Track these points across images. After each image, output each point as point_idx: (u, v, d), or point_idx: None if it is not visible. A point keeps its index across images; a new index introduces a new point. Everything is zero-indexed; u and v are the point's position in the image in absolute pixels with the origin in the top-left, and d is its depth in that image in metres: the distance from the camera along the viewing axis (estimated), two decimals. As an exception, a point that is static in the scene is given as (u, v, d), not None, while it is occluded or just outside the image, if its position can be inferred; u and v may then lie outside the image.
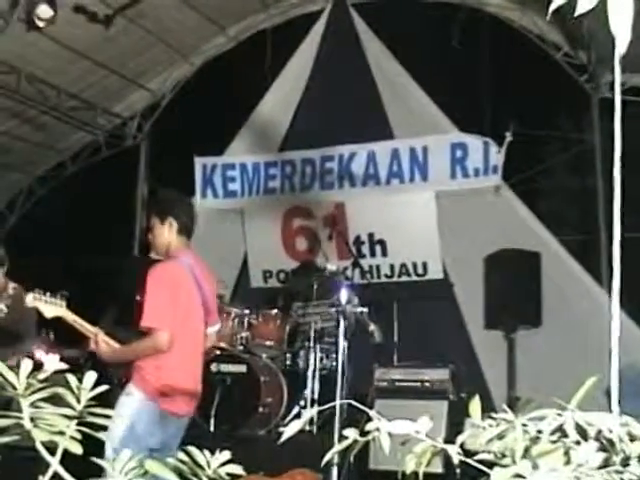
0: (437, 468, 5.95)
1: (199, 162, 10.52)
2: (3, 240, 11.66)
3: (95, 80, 10.39)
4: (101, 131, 11.35)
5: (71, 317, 5.12)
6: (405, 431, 1.48)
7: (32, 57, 9.61)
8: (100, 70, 10.24)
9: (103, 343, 5.06)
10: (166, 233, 5.22)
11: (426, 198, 9.45)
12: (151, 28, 9.83)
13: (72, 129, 11.18)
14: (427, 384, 7.29)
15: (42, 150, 11.46)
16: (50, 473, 1.53)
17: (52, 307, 5.09)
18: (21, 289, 6.78)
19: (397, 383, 7.45)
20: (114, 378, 7.02)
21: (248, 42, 10.72)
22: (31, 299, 5.07)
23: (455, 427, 6.54)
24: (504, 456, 1.46)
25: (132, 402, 4.93)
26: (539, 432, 1.44)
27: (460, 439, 1.52)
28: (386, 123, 9.71)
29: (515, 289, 8.33)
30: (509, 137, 8.81)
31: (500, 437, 1.47)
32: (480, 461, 1.50)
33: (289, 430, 1.58)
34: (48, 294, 5.11)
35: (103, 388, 1.59)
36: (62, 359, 1.65)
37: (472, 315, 9.12)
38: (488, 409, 1.60)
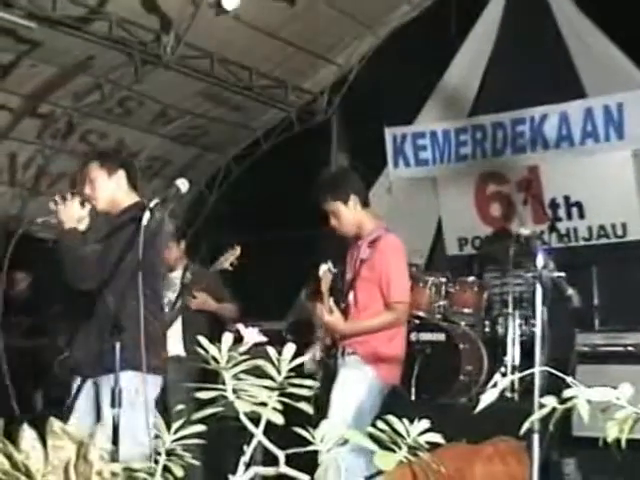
0: (644, 434, 5.79)
1: (389, 132, 10.56)
2: (205, 219, 12.09)
3: (284, 58, 10.56)
4: (293, 108, 11.53)
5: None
6: (604, 398, 1.46)
7: (223, 40, 9.86)
8: (288, 48, 10.39)
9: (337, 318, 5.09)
10: (354, 213, 5.18)
11: (623, 157, 9.13)
12: (335, 3, 9.89)
13: (265, 107, 11.41)
14: (630, 348, 7.08)
15: (237, 130, 11.75)
16: (254, 443, 1.60)
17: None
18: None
19: (599, 348, 7.26)
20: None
21: (432, 9, 10.56)
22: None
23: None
24: None
25: (364, 378, 4.97)
26: None
27: (663, 405, 1.49)
28: (578, 82, 9.40)
29: None
30: None
31: None
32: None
33: (485, 398, 1.59)
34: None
35: (302, 359, 1.64)
36: (262, 332, 1.71)
37: (676, 275, 8.78)
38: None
